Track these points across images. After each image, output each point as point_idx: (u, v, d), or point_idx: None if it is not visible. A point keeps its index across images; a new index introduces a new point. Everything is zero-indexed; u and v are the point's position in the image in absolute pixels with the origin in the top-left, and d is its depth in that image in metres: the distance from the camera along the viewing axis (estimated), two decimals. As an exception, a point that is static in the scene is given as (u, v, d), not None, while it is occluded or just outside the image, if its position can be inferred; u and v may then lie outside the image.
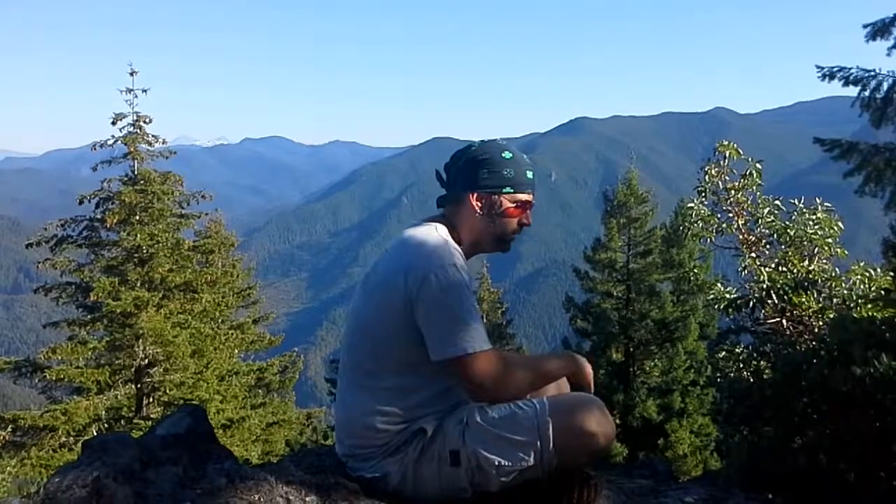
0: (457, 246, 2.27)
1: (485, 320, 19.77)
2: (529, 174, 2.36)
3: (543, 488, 2.23)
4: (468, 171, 2.32)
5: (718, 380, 7.05)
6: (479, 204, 2.31)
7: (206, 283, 14.44)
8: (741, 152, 6.27)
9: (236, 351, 16.85)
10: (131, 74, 13.56)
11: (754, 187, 6.18)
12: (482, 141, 2.40)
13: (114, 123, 13.59)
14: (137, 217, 13.36)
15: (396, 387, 2.21)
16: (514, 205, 2.33)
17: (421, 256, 2.16)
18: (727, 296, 6.17)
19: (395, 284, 2.16)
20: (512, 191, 2.31)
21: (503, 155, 2.33)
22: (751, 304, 5.92)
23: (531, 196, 2.37)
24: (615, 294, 17.30)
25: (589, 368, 2.41)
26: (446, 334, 2.11)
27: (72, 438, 12.19)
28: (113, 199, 13.37)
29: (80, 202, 13.64)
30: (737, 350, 6.33)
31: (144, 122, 13.70)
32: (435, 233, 2.26)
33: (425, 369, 2.19)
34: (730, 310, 6.11)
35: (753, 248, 6.13)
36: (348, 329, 2.36)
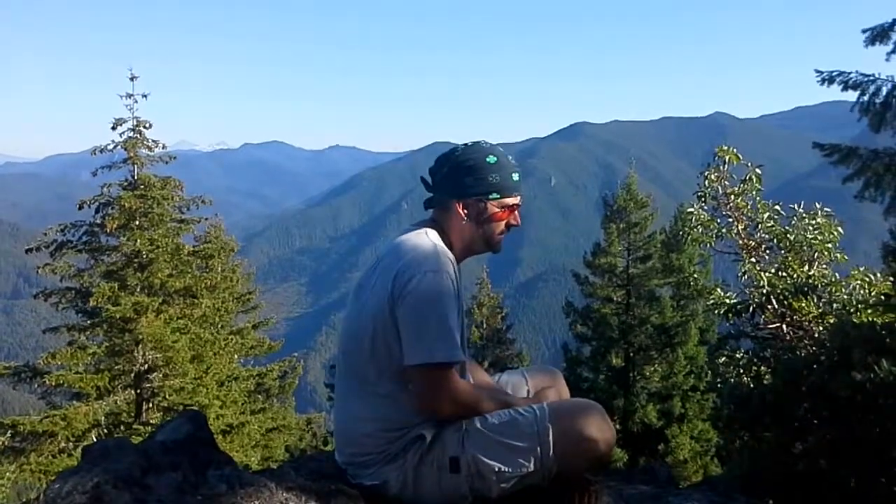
0: (448, 252, 2.26)
1: (484, 325, 19.82)
2: (515, 176, 2.34)
3: (544, 494, 2.23)
4: (453, 179, 2.31)
5: (719, 385, 7.04)
6: (466, 211, 2.31)
7: (205, 289, 14.42)
8: (741, 157, 6.28)
9: (236, 356, 16.81)
10: (131, 79, 13.56)
11: (754, 192, 6.19)
12: (465, 145, 2.37)
13: (114, 128, 13.58)
14: (137, 222, 13.34)
15: (393, 393, 2.20)
16: (500, 209, 2.32)
17: (410, 262, 2.15)
18: (727, 301, 6.17)
19: (384, 290, 2.16)
20: (499, 196, 2.31)
21: (487, 160, 2.30)
22: (751, 309, 5.92)
23: (518, 198, 2.36)
24: (615, 299, 17.30)
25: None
26: (414, 341, 2.11)
27: (71, 444, 12.16)
28: (113, 204, 13.34)
29: (80, 207, 13.62)
30: (737, 355, 6.32)
31: (144, 126, 13.68)
32: (426, 238, 2.25)
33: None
34: (730, 315, 6.11)
35: (753, 252, 6.13)
36: (343, 335, 2.35)
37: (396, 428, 2.21)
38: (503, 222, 2.35)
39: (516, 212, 2.38)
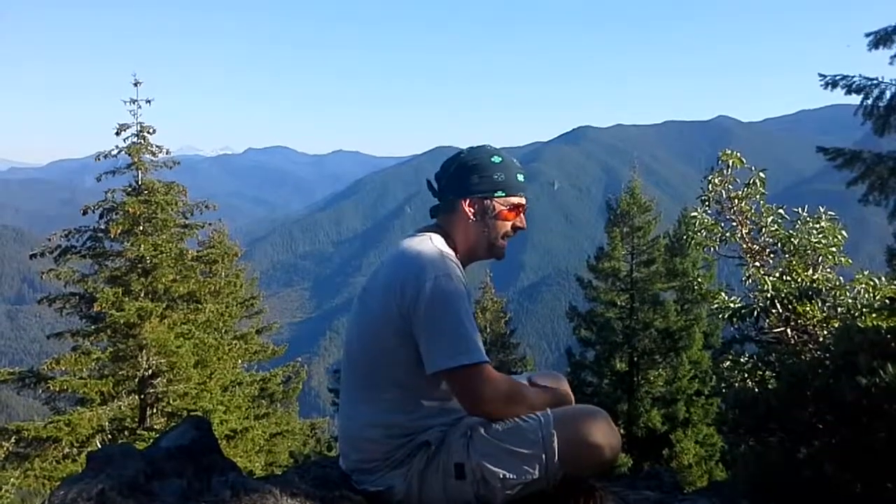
0: (453, 255, 2.26)
1: (488, 330, 19.81)
2: (520, 177, 2.37)
3: (549, 500, 2.22)
4: (459, 178, 2.33)
5: (723, 389, 7.03)
6: (473, 210, 2.32)
7: (209, 294, 14.43)
8: (744, 161, 6.26)
9: (240, 361, 16.82)
10: (135, 85, 13.58)
11: (758, 196, 6.17)
12: (471, 147, 2.39)
13: (118, 134, 13.61)
14: (141, 227, 13.37)
15: (398, 399, 2.20)
16: (507, 208, 2.33)
17: (416, 268, 2.15)
18: (731, 305, 6.16)
19: (391, 297, 2.15)
20: (504, 194, 2.32)
21: (493, 159, 2.33)
22: (755, 313, 5.90)
23: (523, 198, 2.38)
24: (619, 303, 17.27)
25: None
26: (441, 346, 2.10)
27: (75, 449, 12.17)
28: (117, 210, 13.37)
29: (84, 212, 13.65)
30: (741, 359, 6.31)
31: (148, 132, 13.70)
32: (430, 243, 2.25)
33: (426, 381, 2.18)
34: (734, 319, 6.09)
35: (757, 257, 6.12)
36: (348, 341, 2.36)
37: (402, 434, 2.20)
38: (509, 223, 2.36)
39: (522, 214, 2.39)
